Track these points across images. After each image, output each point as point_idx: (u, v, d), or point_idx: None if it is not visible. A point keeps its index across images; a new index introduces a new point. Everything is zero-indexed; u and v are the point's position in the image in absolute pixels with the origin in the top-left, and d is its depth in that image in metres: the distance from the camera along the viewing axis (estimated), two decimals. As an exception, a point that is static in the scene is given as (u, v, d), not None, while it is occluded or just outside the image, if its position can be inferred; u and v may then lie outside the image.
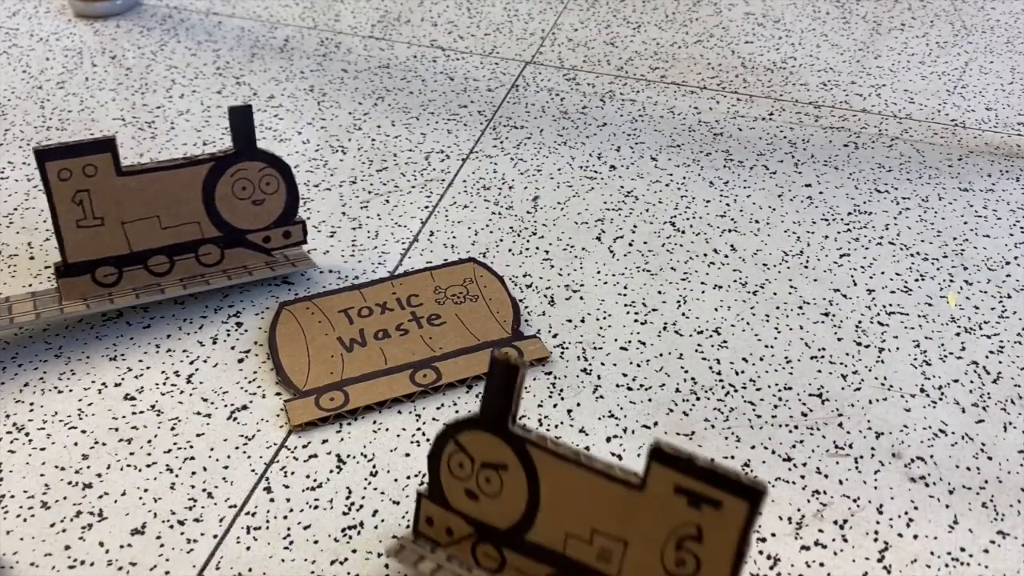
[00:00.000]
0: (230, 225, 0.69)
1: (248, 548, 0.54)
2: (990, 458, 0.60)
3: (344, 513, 0.56)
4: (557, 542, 0.49)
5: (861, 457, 0.60)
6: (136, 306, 0.69)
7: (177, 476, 0.58)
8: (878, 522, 0.56)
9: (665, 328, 0.70)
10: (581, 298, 0.72)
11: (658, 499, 0.45)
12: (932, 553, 0.54)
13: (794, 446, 0.61)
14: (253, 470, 0.58)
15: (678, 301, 0.72)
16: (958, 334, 0.70)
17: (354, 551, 0.54)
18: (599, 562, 0.48)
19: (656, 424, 0.61)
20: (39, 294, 0.68)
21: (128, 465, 0.59)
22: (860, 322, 0.71)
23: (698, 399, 0.64)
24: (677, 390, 0.64)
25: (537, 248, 0.78)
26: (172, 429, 0.61)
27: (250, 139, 0.67)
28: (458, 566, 0.51)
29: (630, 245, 0.78)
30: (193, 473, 0.58)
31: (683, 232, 0.80)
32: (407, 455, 0.59)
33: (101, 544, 0.54)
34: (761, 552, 0.54)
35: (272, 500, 0.56)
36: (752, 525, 0.42)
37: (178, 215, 0.68)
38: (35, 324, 0.67)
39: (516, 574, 0.50)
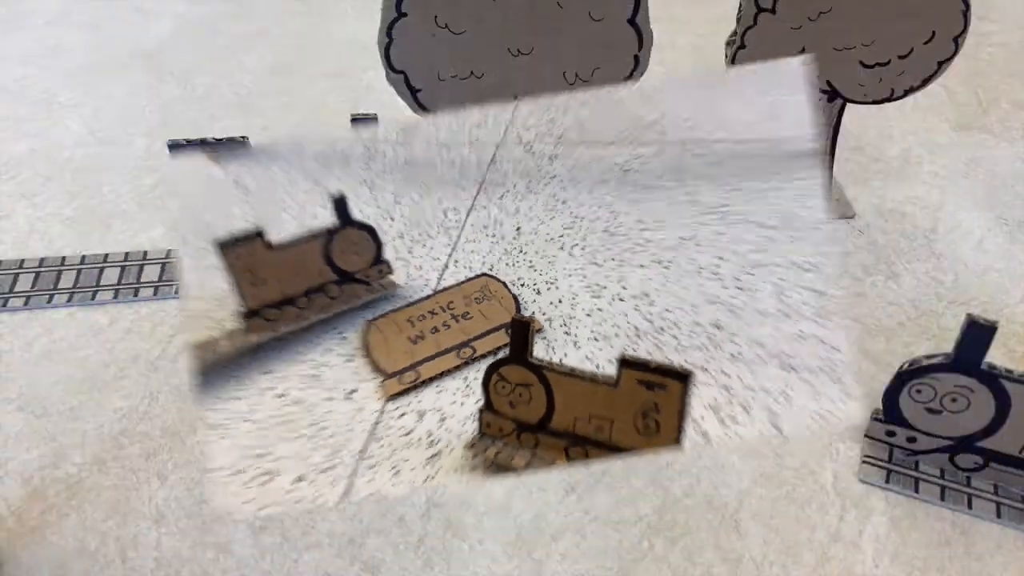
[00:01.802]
0: (342, 270, 0.73)
1: (369, 481, 0.56)
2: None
3: (428, 447, 0.57)
4: (569, 425, 0.57)
5: (751, 361, 0.62)
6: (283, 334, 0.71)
7: (319, 440, 0.59)
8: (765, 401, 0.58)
9: (612, 300, 0.71)
10: (556, 287, 0.74)
11: (628, 389, 0.52)
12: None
13: (707, 360, 0.62)
14: (365, 430, 0.60)
15: (619, 281, 0.74)
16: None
17: (438, 470, 0.55)
18: (597, 434, 0.56)
19: (612, 361, 0.63)
20: (232, 333, 0.70)
21: (285, 438, 0.60)
22: (738, 276, 0.72)
23: (639, 339, 0.65)
24: (627, 336, 0.66)
25: (523, 261, 0.79)
26: (309, 411, 0.63)
27: (348, 216, 0.75)
28: (510, 448, 0.54)
29: (583, 250, 0.80)
30: (330, 436, 0.60)
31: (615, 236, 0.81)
32: (461, 404, 0.62)
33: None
34: (695, 430, 0.55)
35: (381, 447, 0.59)
36: (688, 397, 0.52)
37: (311, 271, 0.73)
38: (232, 353, 0.70)
39: (546, 449, 0.58)
